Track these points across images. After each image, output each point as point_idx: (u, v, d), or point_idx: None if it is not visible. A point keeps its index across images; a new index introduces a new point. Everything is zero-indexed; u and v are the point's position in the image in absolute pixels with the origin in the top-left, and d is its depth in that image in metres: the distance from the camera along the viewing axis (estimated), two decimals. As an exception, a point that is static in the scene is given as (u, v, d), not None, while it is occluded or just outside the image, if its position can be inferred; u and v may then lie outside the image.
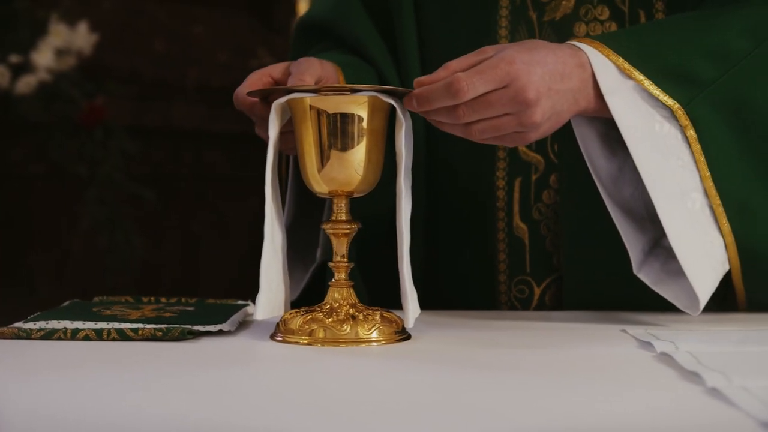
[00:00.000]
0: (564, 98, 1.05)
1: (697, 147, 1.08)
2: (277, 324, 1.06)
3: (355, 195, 1.06)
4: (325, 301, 1.06)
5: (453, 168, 1.32)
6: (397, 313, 1.06)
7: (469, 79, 1.00)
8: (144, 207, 3.07)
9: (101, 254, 2.89)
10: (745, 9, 1.12)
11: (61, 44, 2.61)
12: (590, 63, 1.06)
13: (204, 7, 3.56)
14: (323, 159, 1.04)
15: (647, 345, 1.00)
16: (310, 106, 1.03)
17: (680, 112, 1.08)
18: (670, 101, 1.07)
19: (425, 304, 1.12)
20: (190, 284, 3.33)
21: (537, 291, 1.27)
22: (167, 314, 1.12)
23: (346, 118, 1.03)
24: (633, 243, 1.13)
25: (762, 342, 1.02)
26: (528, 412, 0.76)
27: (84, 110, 2.65)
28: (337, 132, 1.03)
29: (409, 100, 1.04)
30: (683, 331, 1.07)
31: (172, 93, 3.26)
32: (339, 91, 1.02)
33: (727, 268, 1.10)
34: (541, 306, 1.28)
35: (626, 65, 1.07)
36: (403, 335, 1.05)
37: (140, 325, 1.04)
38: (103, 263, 2.86)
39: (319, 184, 1.05)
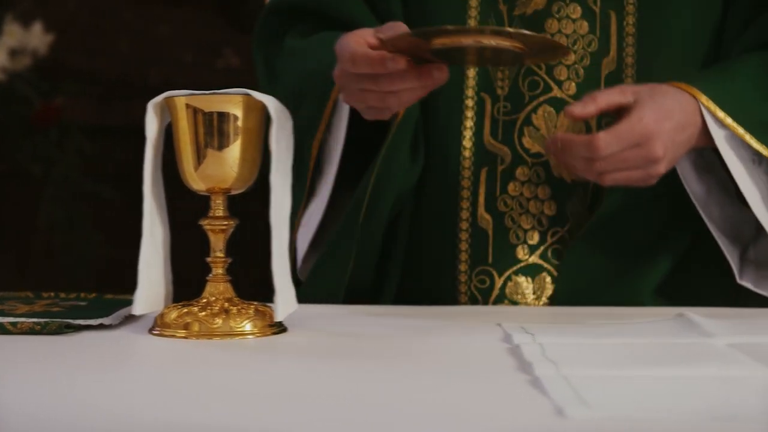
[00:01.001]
0: (682, 146, 1.21)
1: None
2: (155, 318, 1.08)
3: (233, 192, 1.09)
4: (202, 296, 1.09)
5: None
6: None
7: (607, 141, 1.16)
8: (107, 206, 3.10)
9: (60, 253, 2.92)
10: None
11: (16, 44, 2.63)
12: (701, 113, 1.22)
13: (170, 7, 3.58)
14: (200, 157, 1.07)
15: (509, 337, 1.02)
16: (186, 104, 1.06)
17: None
18: (761, 147, 1.23)
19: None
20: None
21: (498, 281, 1.30)
22: (56, 309, 1.15)
23: (221, 117, 1.06)
24: (730, 255, 1.27)
25: (626, 335, 1.04)
26: (361, 399, 0.78)
27: (38, 110, 2.67)
28: (213, 130, 1.06)
29: (554, 142, 1.19)
30: (557, 325, 1.10)
31: (134, 92, 3.28)
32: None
33: None
34: (501, 297, 1.31)
35: (728, 120, 1.22)
36: (279, 328, 1.08)
37: (22, 319, 1.06)
38: (64, 261, 2.88)
39: (196, 181, 1.08)
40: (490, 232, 1.30)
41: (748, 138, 1.23)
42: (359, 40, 1.12)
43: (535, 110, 1.29)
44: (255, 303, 1.09)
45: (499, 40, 1.06)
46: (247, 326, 1.06)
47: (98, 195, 2.90)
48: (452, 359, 0.94)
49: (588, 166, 1.19)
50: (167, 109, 1.09)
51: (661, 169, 1.20)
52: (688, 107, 1.22)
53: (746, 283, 1.28)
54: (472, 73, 1.31)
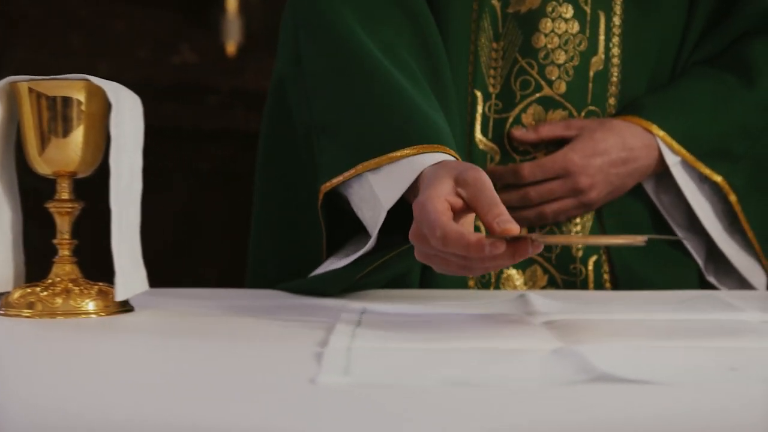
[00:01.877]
0: (627, 176, 1.34)
1: (738, 207, 1.37)
2: (2, 299, 1.11)
3: (79, 175, 1.12)
4: (48, 276, 1.11)
5: None
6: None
7: (531, 170, 1.31)
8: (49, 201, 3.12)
9: None
10: (758, 89, 1.37)
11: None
12: (658, 146, 1.34)
13: (126, 3, 3.61)
14: (43, 141, 1.09)
15: (339, 314, 1.05)
16: (29, 89, 1.09)
17: (723, 183, 1.35)
18: (716, 177, 1.35)
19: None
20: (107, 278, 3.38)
21: (494, 274, 1.36)
22: None
23: (64, 102, 1.08)
24: (697, 253, 1.40)
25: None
26: (179, 376, 0.81)
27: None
28: (56, 115, 1.09)
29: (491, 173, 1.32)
30: (398, 304, 1.13)
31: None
32: None
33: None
34: (498, 289, 1.36)
35: (683, 151, 1.35)
36: (124, 308, 1.10)
37: None
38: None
39: (41, 165, 1.11)
40: (483, 227, 1.33)
41: (700, 165, 1.35)
42: (443, 208, 0.95)
43: (525, 109, 1.35)
44: (100, 284, 1.11)
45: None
46: (90, 305, 1.08)
47: (36, 189, 2.92)
48: (269, 337, 0.97)
49: (524, 197, 1.32)
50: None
51: (593, 196, 1.33)
52: (637, 142, 1.33)
53: (711, 279, 1.41)
54: (470, 68, 1.34)
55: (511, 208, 1.31)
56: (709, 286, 1.42)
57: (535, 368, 0.78)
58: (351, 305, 1.12)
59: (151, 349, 0.91)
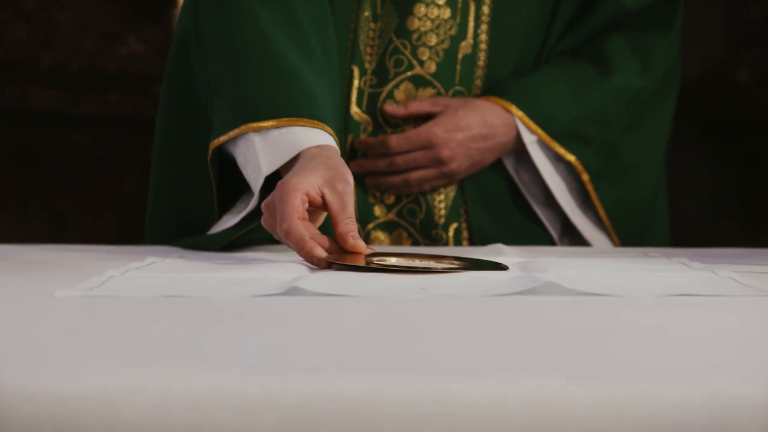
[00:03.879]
0: (487, 151, 1.45)
1: (590, 186, 1.49)
2: None
3: None
4: None
5: None
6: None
7: (398, 141, 1.43)
8: (7, 189, 3.21)
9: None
10: (614, 79, 1.49)
11: None
12: (516, 125, 1.45)
13: (74, -4, 3.69)
14: None
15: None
16: None
17: (576, 162, 1.47)
18: (570, 156, 1.47)
19: None
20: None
21: (362, 234, 1.48)
22: None
23: None
24: (551, 223, 1.52)
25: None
26: None
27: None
28: None
29: (358, 144, 1.45)
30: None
31: (27, 77, 3.38)
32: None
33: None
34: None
35: (539, 131, 1.47)
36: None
37: None
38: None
39: None
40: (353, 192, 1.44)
41: (555, 145, 1.47)
42: (298, 205, 1.06)
43: (397, 86, 1.46)
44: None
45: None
46: None
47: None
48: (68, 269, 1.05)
49: (392, 164, 1.43)
50: None
51: (453, 167, 1.44)
52: (496, 120, 1.45)
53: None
54: (349, 45, 1.44)
55: (380, 174, 1.46)
56: None
57: (488, 284, 0.90)
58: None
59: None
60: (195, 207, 1.34)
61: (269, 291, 0.84)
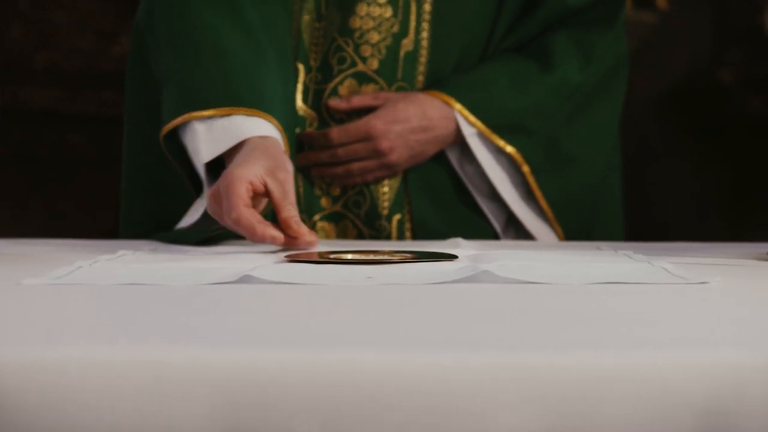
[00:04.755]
0: (427, 143, 1.49)
1: (531, 178, 1.52)
2: None
3: None
4: None
5: None
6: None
7: (338, 133, 1.47)
8: (6, 188, 3.27)
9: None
10: (554, 73, 1.53)
11: None
12: (455, 118, 1.49)
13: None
14: None
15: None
16: None
17: (516, 154, 1.51)
18: (509, 148, 1.51)
19: None
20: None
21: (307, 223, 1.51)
22: None
23: None
24: (494, 216, 1.55)
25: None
26: None
27: None
28: None
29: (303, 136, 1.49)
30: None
31: (21, 76, 3.43)
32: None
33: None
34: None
35: (478, 123, 1.50)
36: None
37: None
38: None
39: None
40: (300, 183, 1.51)
41: (495, 137, 1.51)
42: (243, 193, 1.14)
43: (341, 82, 1.51)
44: None
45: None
46: None
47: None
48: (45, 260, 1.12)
49: (334, 156, 1.47)
50: None
51: (393, 158, 1.48)
52: (436, 113, 1.49)
53: (508, 240, 1.57)
54: (293, 43, 1.50)
55: (323, 165, 1.51)
56: None
57: (433, 273, 0.96)
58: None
59: None
60: (169, 198, 1.41)
61: (224, 279, 0.90)
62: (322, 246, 1.24)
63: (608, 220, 1.64)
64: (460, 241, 1.31)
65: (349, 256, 1.07)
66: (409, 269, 1.00)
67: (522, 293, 0.86)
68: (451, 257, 1.07)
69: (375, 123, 1.48)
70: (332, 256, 1.07)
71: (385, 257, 1.07)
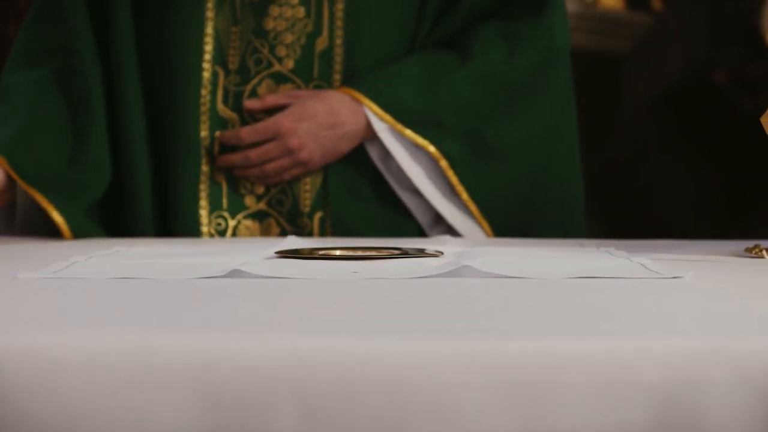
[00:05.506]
0: (338, 139, 1.51)
1: (450, 172, 1.52)
2: None
3: None
4: None
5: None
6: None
7: (248, 133, 1.50)
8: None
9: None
10: (472, 65, 1.53)
11: None
12: (365, 114, 1.51)
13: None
14: None
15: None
16: None
17: (427, 146, 1.51)
18: (421, 141, 1.51)
19: None
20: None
21: (231, 223, 1.55)
22: None
23: None
24: (420, 212, 1.56)
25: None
26: None
27: None
28: None
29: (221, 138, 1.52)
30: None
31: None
32: None
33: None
34: (234, 236, 1.57)
35: (387, 117, 1.51)
36: None
37: None
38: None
39: None
40: (224, 185, 1.54)
41: (408, 132, 1.52)
42: None
43: (259, 83, 1.54)
44: None
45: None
46: None
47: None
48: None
49: (244, 158, 1.50)
50: None
51: (304, 155, 1.50)
52: (344, 109, 1.51)
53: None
54: (209, 48, 1.54)
55: (237, 168, 1.53)
56: None
57: (416, 268, 0.99)
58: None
59: None
60: None
61: (214, 274, 0.93)
62: (313, 243, 1.27)
63: (558, 219, 1.62)
64: (447, 238, 1.34)
65: (337, 252, 1.10)
66: (394, 264, 1.03)
67: (501, 287, 0.89)
68: (437, 253, 1.10)
69: (283, 121, 1.51)
70: (321, 252, 1.10)
71: (372, 253, 1.10)
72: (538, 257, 1.10)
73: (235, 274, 0.93)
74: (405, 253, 1.10)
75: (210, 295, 0.85)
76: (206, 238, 1.52)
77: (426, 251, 1.12)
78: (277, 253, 1.10)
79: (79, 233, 1.45)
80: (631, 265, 1.02)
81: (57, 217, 1.44)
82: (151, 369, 0.64)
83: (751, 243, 1.15)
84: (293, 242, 1.28)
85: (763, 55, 3.61)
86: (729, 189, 3.67)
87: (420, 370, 0.62)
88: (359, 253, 1.10)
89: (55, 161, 1.48)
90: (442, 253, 1.11)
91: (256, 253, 1.12)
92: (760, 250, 1.12)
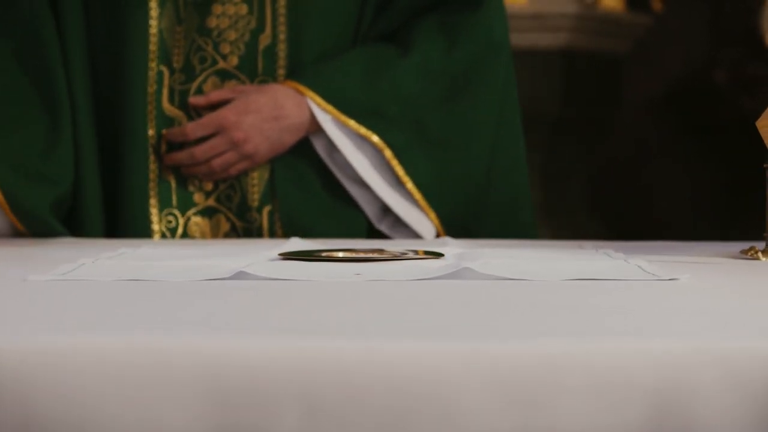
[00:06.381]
0: (282, 132, 1.52)
1: (394, 162, 1.54)
2: None
3: None
4: None
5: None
6: None
7: (193, 128, 1.51)
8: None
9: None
10: (412, 57, 1.55)
11: None
12: (309, 106, 1.52)
13: None
14: None
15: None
16: None
17: (370, 136, 1.52)
18: (364, 131, 1.52)
19: None
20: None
21: (182, 221, 1.56)
22: None
23: None
24: (367, 203, 1.56)
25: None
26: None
27: None
28: None
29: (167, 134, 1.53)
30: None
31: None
32: None
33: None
34: (185, 235, 1.57)
35: (330, 108, 1.52)
36: None
37: None
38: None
39: None
40: (173, 182, 1.55)
41: (352, 122, 1.53)
42: None
43: (205, 81, 1.55)
44: None
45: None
46: None
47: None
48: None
49: (193, 156, 1.51)
50: None
51: (249, 149, 1.51)
52: (288, 101, 1.52)
53: (384, 229, 1.57)
54: (153, 47, 1.55)
55: (184, 166, 1.53)
56: (380, 235, 1.58)
57: (417, 270, 1.01)
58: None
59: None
60: None
61: (219, 276, 0.95)
62: (316, 246, 1.29)
63: (506, 210, 1.63)
64: (448, 240, 1.35)
65: (341, 255, 1.12)
66: (396, 266, 1.05)
67: (501, 289, 0.91)
68: (438, 255, 1.12)
69: (227, 114, 1.51)
70: (324, 254, 1.12)
71: (375, 255, 1.12)
72: (537, 259, 1.12)
73: (240, 276, 0.95)
74: (407, 256, 1.11)
75: (215, 296, 0.87)
76: (209, 239, 1.54)
77: (427, 253, 1.14)
78: (281, 255, 1.12)
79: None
80: (628, 267, 1.03)
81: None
82: (157, 369, 0.66)
83: (746, 245, 1.17)
84: (297, 244, 1.30)
85: (762, 55, 3.63)
86: (729, 189, 3.68)
87: (422, 370, 0.64)
88: (362, 255, 1.12)
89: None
90: (442, 254, 1.13)
91: (260, 255, 1.14)
92: (756, 252, 1.13)
